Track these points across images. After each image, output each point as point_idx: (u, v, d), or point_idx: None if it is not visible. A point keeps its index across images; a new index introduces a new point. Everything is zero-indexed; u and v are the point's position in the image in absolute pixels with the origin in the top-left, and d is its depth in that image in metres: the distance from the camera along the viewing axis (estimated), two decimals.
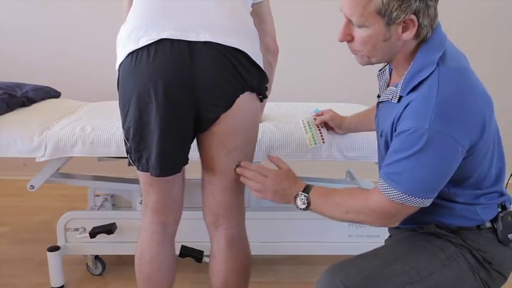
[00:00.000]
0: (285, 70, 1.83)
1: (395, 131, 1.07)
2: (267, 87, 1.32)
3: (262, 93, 1.30)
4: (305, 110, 2.02)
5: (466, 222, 1.13)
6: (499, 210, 1.15)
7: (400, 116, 1.06)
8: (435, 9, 1.03)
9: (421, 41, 1.06)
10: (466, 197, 1.11)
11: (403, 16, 1.00)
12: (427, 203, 1.05)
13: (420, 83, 1.04)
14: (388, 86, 1.21)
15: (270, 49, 1.43)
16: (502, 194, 1.16)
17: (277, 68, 1.51)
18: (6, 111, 1.82)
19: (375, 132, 1.35)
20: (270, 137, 1.67)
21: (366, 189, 1.15)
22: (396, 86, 1.11)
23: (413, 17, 1.00)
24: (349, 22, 1.06)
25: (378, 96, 1.23)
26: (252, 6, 1.34)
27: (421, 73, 1.04)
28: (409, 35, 1.03)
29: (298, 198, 1.18)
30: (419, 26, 1.02)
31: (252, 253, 1.42)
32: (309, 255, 1.91)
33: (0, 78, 2.25)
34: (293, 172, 1.25)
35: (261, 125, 1.57)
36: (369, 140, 1.69)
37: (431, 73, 1.03)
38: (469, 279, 1.11)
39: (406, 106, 1.04)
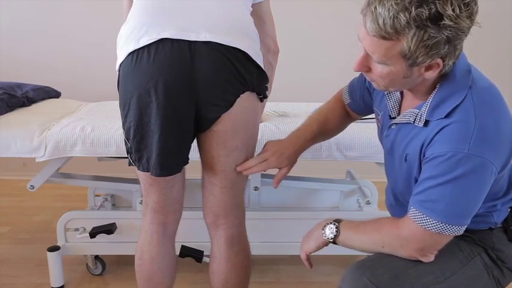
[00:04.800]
0: (285, 70, 1.83)
1: (424, 156, 1.03)
2: (267, 87, 1.32)
3: (262, 93, 1.30)
4: (305, 110, 2.02)
5: (481, 226, 1.13)
6: (509, 210, 1.15)
7: (431, 140, 1.01)
8: (461, 46, 0.98)
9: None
10: (483, 208, 1.09)
11: (429, 61, 0.95)
12: (462, 230, 1.02)
13: (454, 108, 1.00)
14: (400, 106, 1.17)
15: (271, 49, 1.43)
16: None
17: (278, 68, 1.51)
18: (6, 111, 1.82)
19: (375, 132, 1.34)
20: (270, 137, 1.67)
21: (396, 218, 1.09)
22: (419, 108, 1.06)
23: (439, 61, 0.96)
24: (367, 55, 1.01)
25: (391, 118, 1.18)
26: (252, 7, 1.34)
27: (452, 98, 1.01)
28: (431, 74, 0.99)
29: (327, 227, 1.14)
30: (444, 66, 0.98)
31: (252, 253, 1.42)
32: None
33: (0, 78, 2.25)
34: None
35: (261, 125, 1.58)
36: (368, 140, 1.69)
37: (465, 97, 1.00)
38: (484, 278, 1.11)
39: (440, 131, 1.00)
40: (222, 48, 1.16)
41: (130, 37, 1.18)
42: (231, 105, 1.20)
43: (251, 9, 1.33)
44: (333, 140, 1.67)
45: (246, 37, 1.22)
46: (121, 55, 1.21)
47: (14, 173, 2.94)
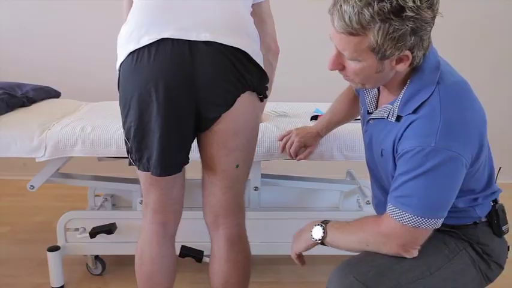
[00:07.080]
0: (286, 70, 1.83)
1: (396, 151, 1.06)
2: (267, 87, 1.33)
3: (262, 93, 1.31)
4: (305, 110, 2.02)
5: (465, 221, 1.15)
6: (492, 204, 1.17)
7: (401, 136, 1.04)
8: (429, 37, 1.01)
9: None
10: (464, 202, 1.12)
11: (397, 53, 0.98)
12: (439, 223, 1.04)
13: (422, 103, 1.03)
14: (377, 101, 1.21)
15: (271, 49, 1.43)
16: (494, 191, 1.18)
17: (278, 68, 1.51)
18: (6, 111, 1.82)
19: None
20: (270, 137, 1.67)
21: (378, 216, 1.12)
22: (392, 104, 1.10)
23: (408, 52, 0.99)
24: (339, 53, 1.04)
25: (368, 113, 1.22)
26: (252, 7, 1.34)
27: (420, 94, 1.04)
28: (403, 66, 1.02)
29: (314, 229, 1.16)
30: (413, 57, 1.01)
31: (252, 253, 1.43)
32: (309, 255, 1.90)
33: (0, 78, 2.25)
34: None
35: (261, 125, 1.57)
36: None
37: (432, 93, 1.03)
38: (471, 272, 1.13)
39: (408, 126, 1.03)
40: (222, 48, 1.16)
41: (131, 37, 1.18)
42: (231, 105, 1.21)
43: (251, 9, 1.33)
44: (333, 140, 1.67)
45: (246, 37, 1.22)
46: (121, 55, 1.21)
47: (14, 173, 2.94)
